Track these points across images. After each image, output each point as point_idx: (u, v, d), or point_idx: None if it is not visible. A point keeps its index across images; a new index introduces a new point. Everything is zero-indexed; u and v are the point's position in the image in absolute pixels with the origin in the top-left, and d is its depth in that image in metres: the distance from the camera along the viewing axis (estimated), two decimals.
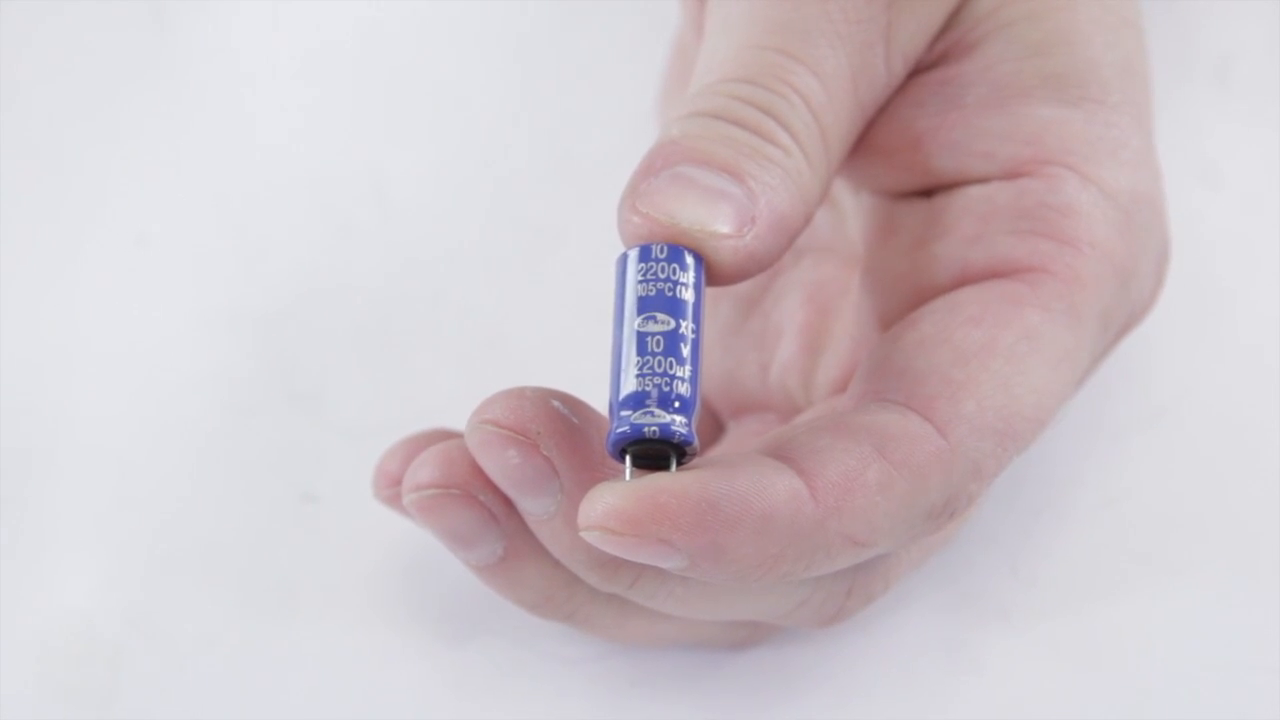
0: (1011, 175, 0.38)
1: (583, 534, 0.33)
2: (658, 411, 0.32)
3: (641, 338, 0.33)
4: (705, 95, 0.36)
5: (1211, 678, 0.42)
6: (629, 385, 0.33)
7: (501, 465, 0.35)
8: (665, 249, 0.33)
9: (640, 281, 0.33)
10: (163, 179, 0.50)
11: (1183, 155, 0.47)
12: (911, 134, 0.38)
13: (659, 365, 0.33)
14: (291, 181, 0.50)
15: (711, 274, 0.34)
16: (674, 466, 0.33)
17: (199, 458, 0.45)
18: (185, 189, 0.50)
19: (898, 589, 0.41)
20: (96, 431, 0.46)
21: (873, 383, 0.36)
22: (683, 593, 0.37)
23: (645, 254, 0.33)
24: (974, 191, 0.38)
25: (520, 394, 0.35)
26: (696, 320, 0.33)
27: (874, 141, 0.39)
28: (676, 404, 0.33)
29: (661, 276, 0.33)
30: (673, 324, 0.33)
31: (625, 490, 0.32)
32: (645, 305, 0.33)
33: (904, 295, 0.38)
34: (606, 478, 0.34)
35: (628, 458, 0.33)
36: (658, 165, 0.34)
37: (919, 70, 0.39)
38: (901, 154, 0.38)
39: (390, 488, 0.39)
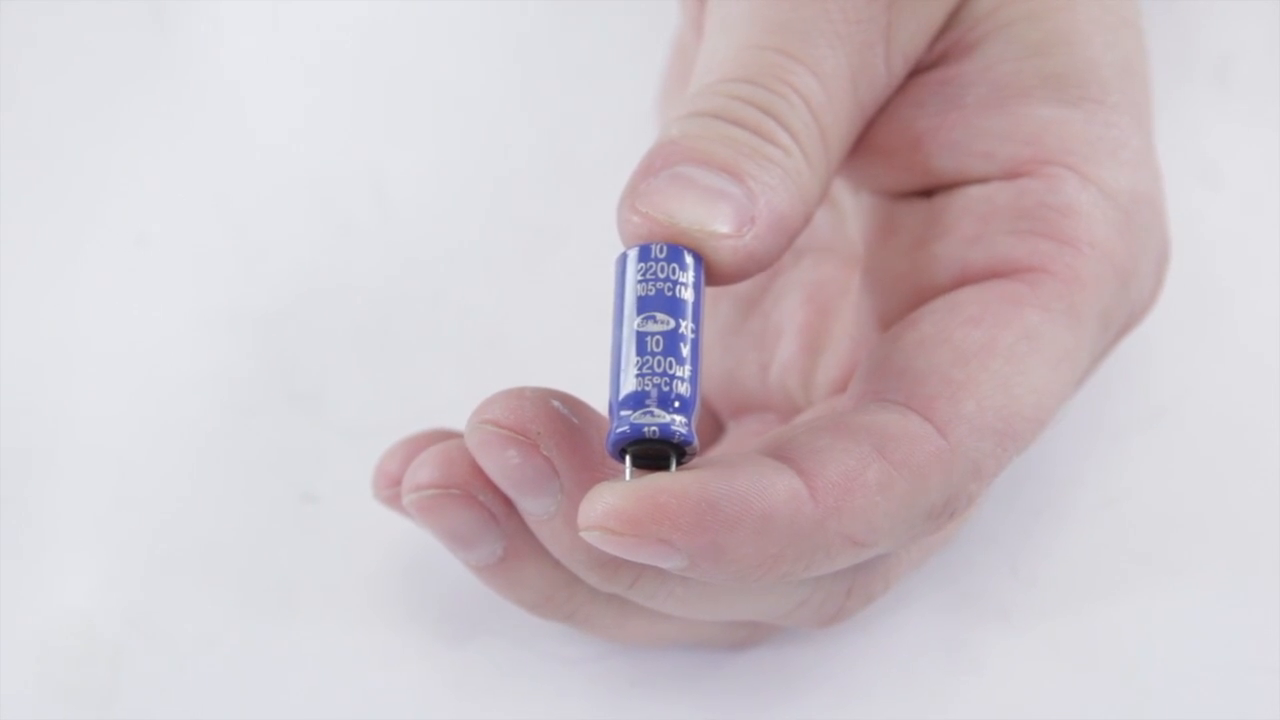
0: (1011, 175, 0.38)
1: (583, 534, 0.33)
2: (657, 411, 0.32)
3: (641, 337, 0.33)
4: (705, 95, 0.36)
5: (1211, 678, 0.42)
6: (629, 385, 0.33)
7: (501, 465, 0.35)
8: (665, 249, 0.33)
9: (640, 281, 0.33)
10: (163, 179, 0.50)
11: (1183, 155, 0.47)
12: (911, 134, 0.38)
13: (659, 365, 0.33)
14: (291, 181, 0.50)
15: (711, 274, 0.34)
16: (674, 466, 0.33)
17: (199, 458, 0.45)
18: (185, 189, 0.50)
19: (898, 589, 0.41)
20: (96, 431, 0.46)
21: (872, 383, 0.36)
22: (683, 593, 0.37)
23: (645, 254, 0.33)
24: (974, 191, 0.38)
25: (520, 394, 0.35)
26: (696, 320, 0.33)
27: (874, 141, 0.39)
28: (676, 404, 0.33)
29: (661, 276, 0.33)
30: (672, 324, 0.33)
31: (625, 490, 0.32)
32: (645, 305, 0.33)
33: (904, 295, 0.38)
34: (606, 478, 0.34)
35: (627, 458, 0.33)
36: (657, 165, 0.34)
37: (919, 70, 0.39)
38: (901, 154, 0.38)
39: (390, 488, 0.39)
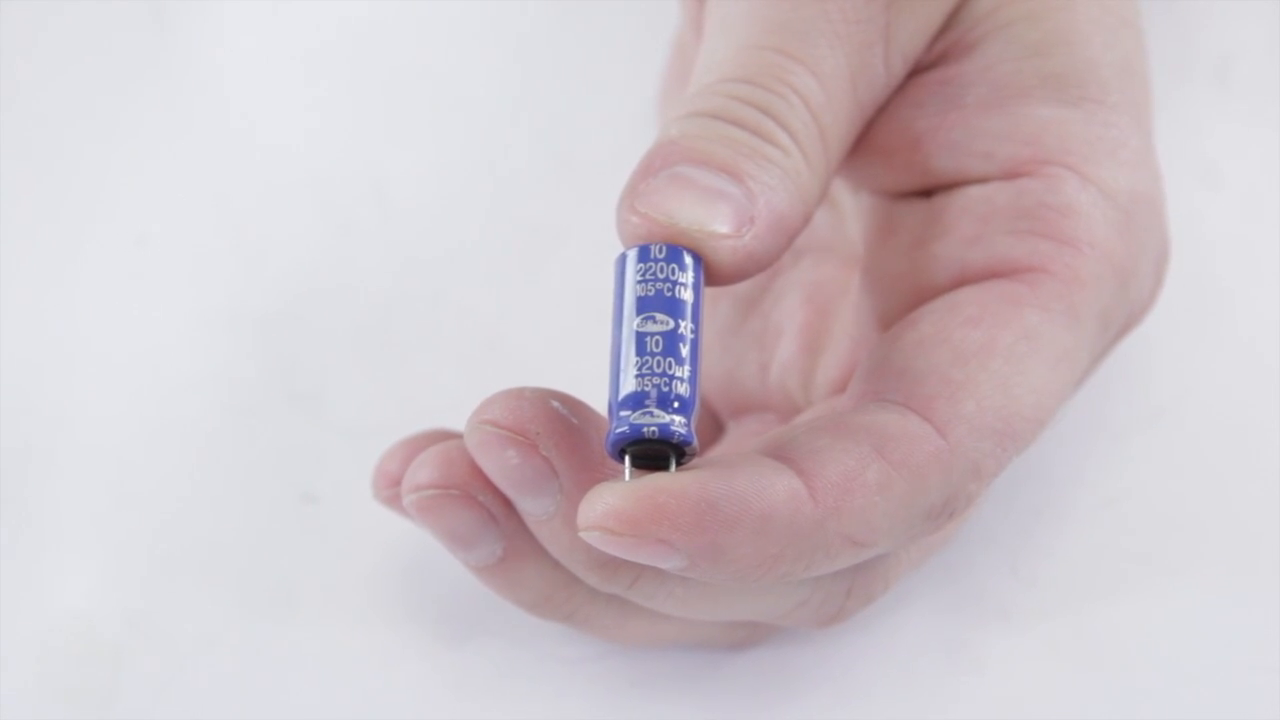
0: (1011, 175, 0.38)
1: (582, 534, 0.33)
2: (657, 412, 0.32)
3: (640, 338, 0.33)
4: (704, 95, 0.35)
5: (1211, 678, 0.42)
6: (628, 385, 0.33)
7: (501, 465, 0.35)
8: (664, 249, 0.33)
9: (639, 281, 0.33)
10: (163, 179, 0.50)
11: (1183, 155, 0.47)
12: (911, 134, 0.38)
13: (658, 365, 0.33)
14: (291, 181, 0.50)
15: (710, 274, 0.34)
16: (673, 467, 0.33)
17: (199, 458, 0.45)
18: (185, 189, 0.50)
19: (898, 589, 0.41)
20: (96, 431, 0.46)
21: (872, 383, 0.36)
22: (682, 593, 0.37)
23: (644, 254, 0.33)
24: (973, 191, 0.38)
25: (519, 394, 0.35)
26: (695, 320, 0.33)
27: (874, 141, 0.39)
28: (676, 404, 0.33)
29: (660, 276, 0.33)
30: (672, 324, 0.33)
31: (624, 490, 0.32)
32: (644, 305, 0.33)
33: (903, 295, 0.38)
34: (606, 478, 0.34)
35: (627, 458, 0.33)
36: (656, 165, 0.34)
37: (918, 70, 0.39)
38: (901, 154, 0.38)
39: (390, 488, 0.39)
